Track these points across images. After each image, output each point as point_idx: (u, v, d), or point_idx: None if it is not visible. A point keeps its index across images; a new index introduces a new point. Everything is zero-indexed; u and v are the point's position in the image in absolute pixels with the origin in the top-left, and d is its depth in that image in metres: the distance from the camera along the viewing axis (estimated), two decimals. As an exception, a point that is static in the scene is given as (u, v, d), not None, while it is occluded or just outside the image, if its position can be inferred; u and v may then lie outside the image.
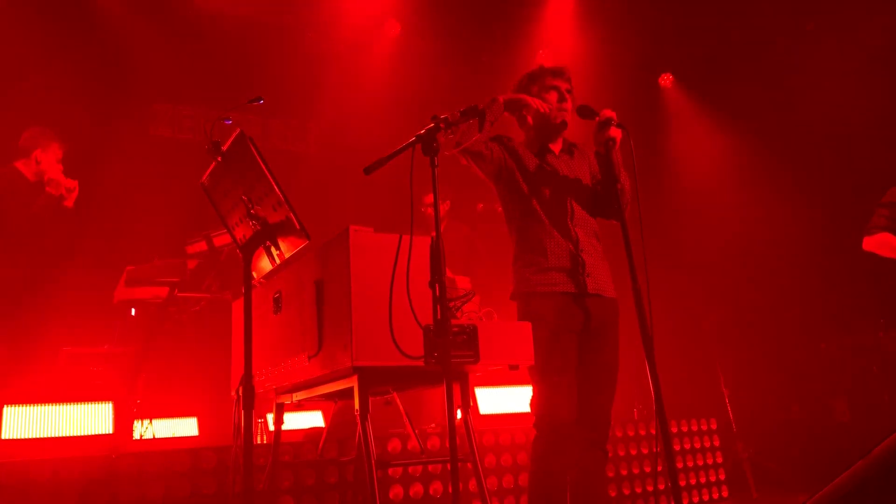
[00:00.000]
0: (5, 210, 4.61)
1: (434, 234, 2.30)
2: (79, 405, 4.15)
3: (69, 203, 4.75)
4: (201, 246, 5.24)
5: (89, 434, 4.11)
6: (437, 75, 7.03)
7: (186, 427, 5.06)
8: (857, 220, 4.69)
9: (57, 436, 4.02)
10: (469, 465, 2.62)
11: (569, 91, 3.15)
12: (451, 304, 2.52)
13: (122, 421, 4.32)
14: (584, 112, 2.98)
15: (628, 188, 3.05)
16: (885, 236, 4.48)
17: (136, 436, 4.56)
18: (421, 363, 2.33)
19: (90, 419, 4.14)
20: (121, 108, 6.23)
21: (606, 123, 2.92)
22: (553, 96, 3.12)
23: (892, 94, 6.02)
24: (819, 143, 6.62)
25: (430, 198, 5.73)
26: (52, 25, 5.87)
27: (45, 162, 4.85)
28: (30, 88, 5.64)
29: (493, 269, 5.78)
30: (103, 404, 4.21)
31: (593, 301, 2.98)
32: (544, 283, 2.95)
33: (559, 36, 7.35)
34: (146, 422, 4.63)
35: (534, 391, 2.91)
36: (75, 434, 4.07)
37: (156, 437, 4.65)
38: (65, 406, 4.11)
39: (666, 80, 8.01)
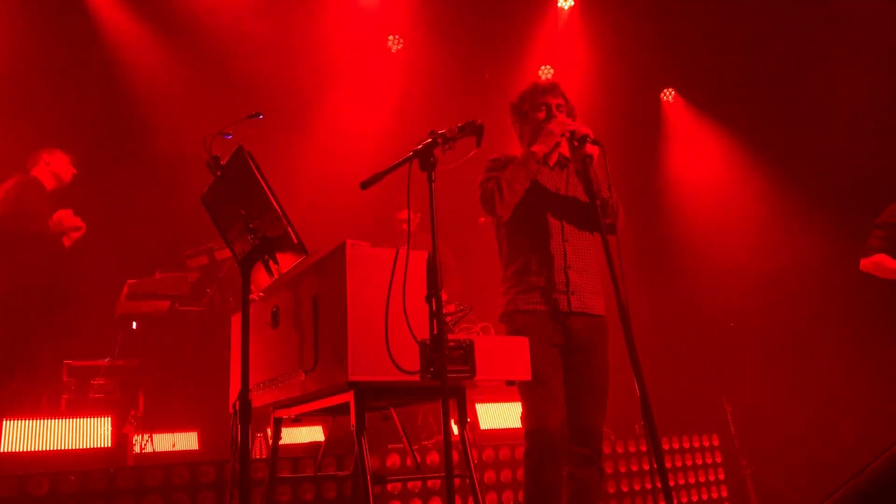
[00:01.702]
0: (21, 219, 4.63)
1: (431, 249, 2.31)
2: (78, 419, 4.15)
3: (67, 242, 4.78)
4: (202, 260, 5.26)
5: (88, 447, 4.10)
6: (438, 90, 7.06)
7: (186, 441, 5.05)
8: (863, 234, 4.67)
9: (56, 449, 4.02)
10: (467, 480, 2.61)
11: (559, 107, 3.17)
12: (448, 320, 2.51)
13: (122, 435, 4.31)
14: None
15: (611, 203, 3.04)
16: (880, 258, 4.47)
17: (136, 449, 4.55)
18: (417, 378, 2.33)
19: (89, 433, 4.13)
20: (124, 122, 6.26)
21: (582, 140, 2.93)
22: (542, 114, 3.15)
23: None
24: (823, 157, 6.61)
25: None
26: (54, 40, 5.92)
27: (55, 162, 4.90)
28: (33, 103, 5.67)
29: (469, 283, 5.80)
30: (103, 418, 4.20)
31: (578, 319, 2.99)
32: (528, 301, 2.98)
33: (561, 51, 7.38)
34: (146, 435, 4.62)
35: (522, 405, 2.92)
36: (74, 447, 4.06)
37: (155, 450, 4.64)
38: (64, 420, 4.11)
39: (668, 95, 8.02)
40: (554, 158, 3.20)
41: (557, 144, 3.03)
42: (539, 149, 3.00)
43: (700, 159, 7.81)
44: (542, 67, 7.46)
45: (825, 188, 6.52)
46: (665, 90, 8.01)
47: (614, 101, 7.09)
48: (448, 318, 2.53)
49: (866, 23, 6.22)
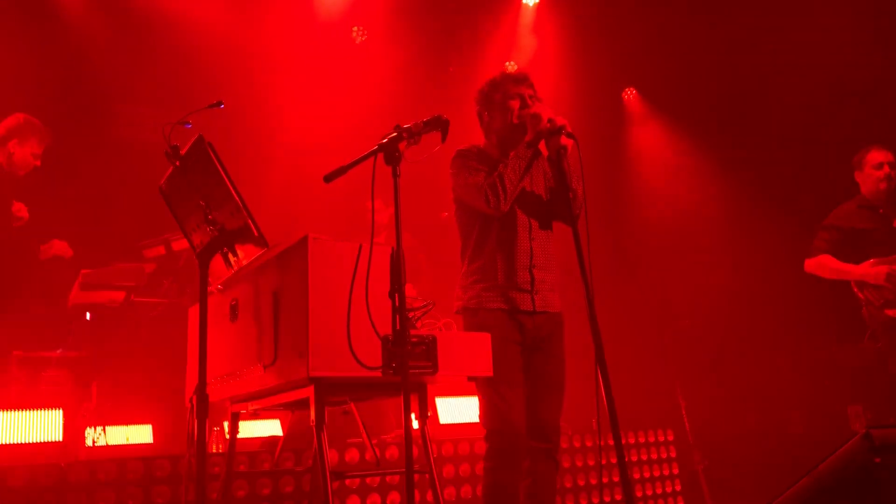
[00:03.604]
0: None
1: (395, 243, 2.29)
2: (28, 411, 4.04)
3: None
4: (159, 250, 5.16)
5: (38, 441, 4.00)
6: (403, 84, 7.03)
7: (141, 434, 4.96)
8: (811, 236, 4.80)
9: (4, 443, 3.91)
10: (427, 475, 2.61)
11: (532, 97, 3.15)
12: (410, 315, 2.51)
13: (73, 428, 4.22)
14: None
15: (580, 195, 3.06)
16: (824, 258, 4.64)
17: (89, 443, 4.46)
18: (379, 374, 2.31)
19: (40, 426, 4.03)
20: (81, 109, 6.11)
21: (557, 132, 2.93)
22: (516, 103, 3.13)
23: (855, 111, 6.17)
24: (781, 159, 6.75)
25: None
26: (10, 23, 5.73)
27: (19, 155, 4.69)
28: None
29: (437, 278, 5.80)
30: (54, 411, 4.10)
31: (539, 317, 3.02)
32: (492, 299, 2.98)
33: (525, 47, 7.40)
34: (98, 429, 4.53)
35: (482, 403, 2.92)
36: (24, 441, 3.95)
37: (108, 444, 4.55)
38: (13, 412, 4.00)
39: (630, 94, 8.10)
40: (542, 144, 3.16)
41: (540, 134, 2.98)
42: (530, 137, 2.97)
43: (660, 158, 7.91)
44: (507, 63, 7.48)
45: (786, 187, 6.67)
46: (626, 89, 8.09)
47: (576, 99, 7.13)
48: (411, 314, 2.52)
49: (823, 25, 6.35)
